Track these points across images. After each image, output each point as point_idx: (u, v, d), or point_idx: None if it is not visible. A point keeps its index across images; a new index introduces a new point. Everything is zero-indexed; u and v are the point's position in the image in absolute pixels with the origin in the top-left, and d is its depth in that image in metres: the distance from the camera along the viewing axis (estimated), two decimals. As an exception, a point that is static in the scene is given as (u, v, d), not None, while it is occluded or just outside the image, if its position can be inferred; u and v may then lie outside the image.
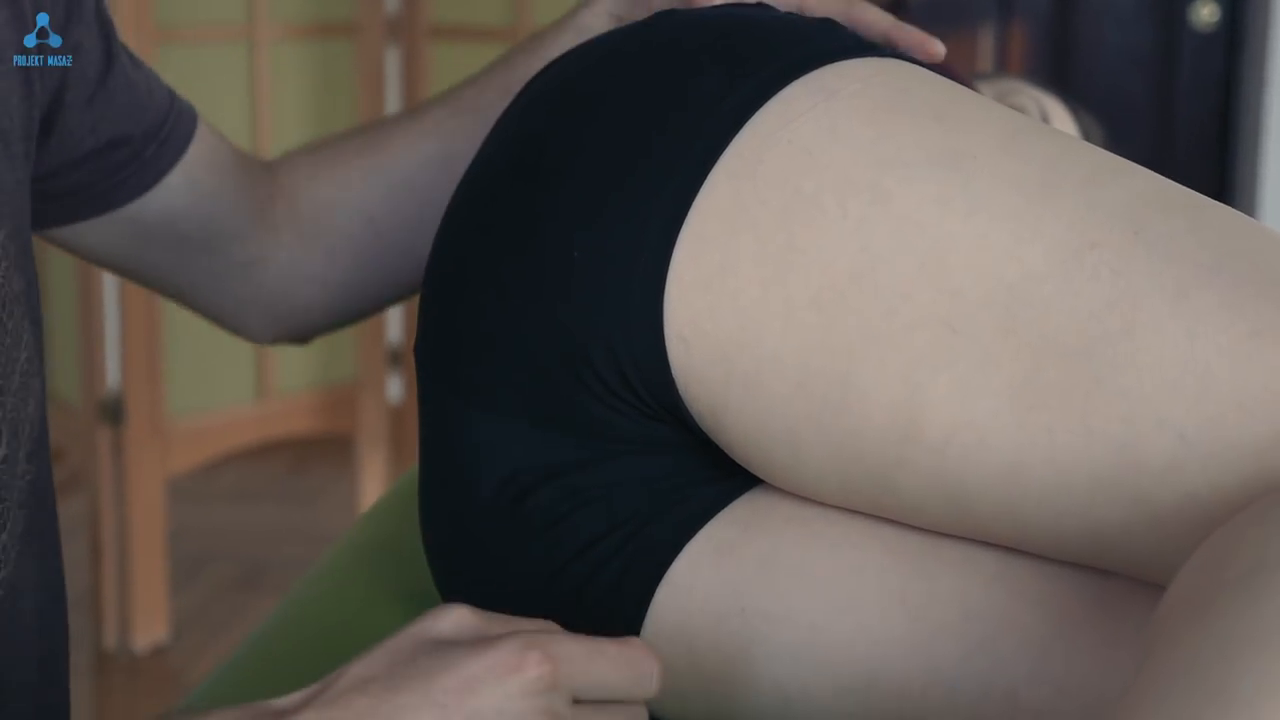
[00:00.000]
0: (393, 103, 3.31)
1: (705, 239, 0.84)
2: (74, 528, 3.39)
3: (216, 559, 3.28)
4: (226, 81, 3.04)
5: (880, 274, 0.81)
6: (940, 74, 1.18)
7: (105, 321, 2.89)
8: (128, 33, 2.74)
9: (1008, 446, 0.79)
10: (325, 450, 3.69)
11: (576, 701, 0.70)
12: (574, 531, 0.90)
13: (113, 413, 2.89)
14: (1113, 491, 0.77)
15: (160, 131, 1.09)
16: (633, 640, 0.73)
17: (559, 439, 0.89)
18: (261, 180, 1.18)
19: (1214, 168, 3.60)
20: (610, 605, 0.90)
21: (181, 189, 1.12)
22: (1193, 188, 0.84)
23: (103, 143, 1.05)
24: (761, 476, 0.88)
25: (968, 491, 0.81)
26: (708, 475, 0.91)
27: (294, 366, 3.14)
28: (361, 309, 1.23)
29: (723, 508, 0.90)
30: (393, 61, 3.33)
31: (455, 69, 3.26)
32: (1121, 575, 0.83)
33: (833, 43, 0.89)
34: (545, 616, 0.90)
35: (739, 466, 0.90)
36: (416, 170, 1.16)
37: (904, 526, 0.87)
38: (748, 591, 0.88)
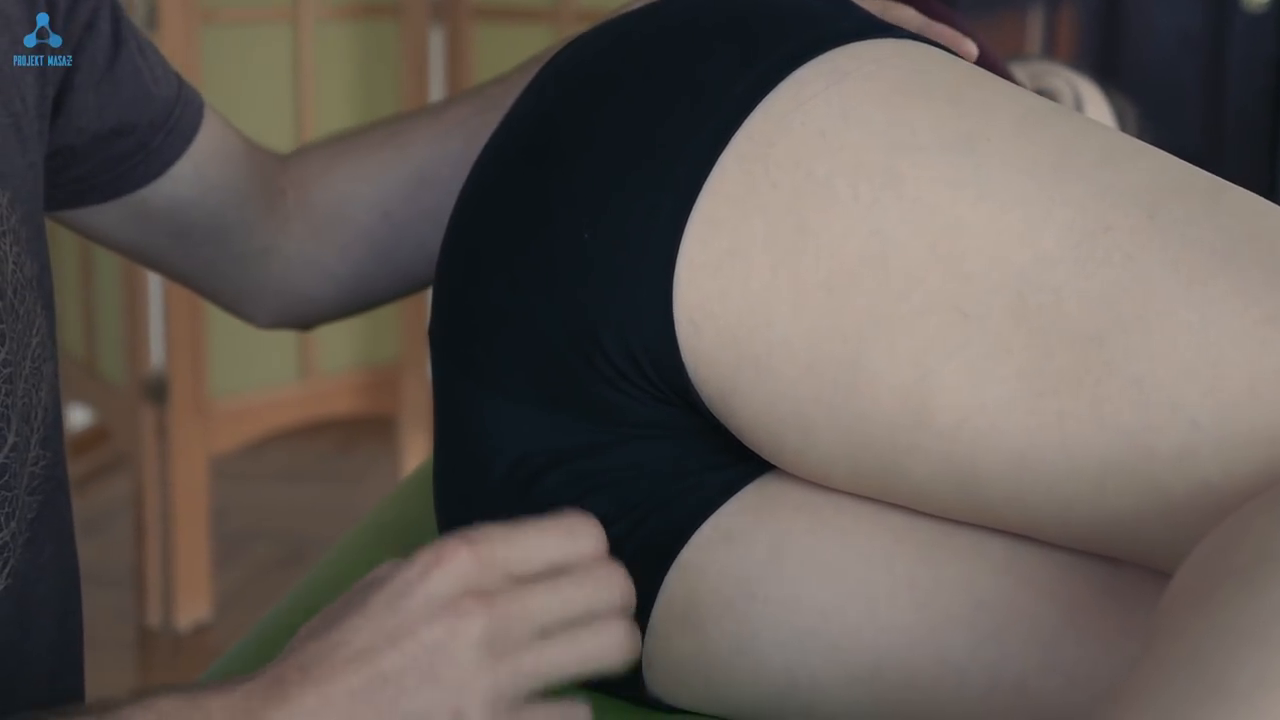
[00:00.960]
0: (436, 84, 3.31)
1: (716, 222, 0.83)
2: (119, 507, 3.42)
3: (260, 538, 3.29)
4: (271, 62, 3.04)
5: (891, 258, 0.80)
6: (981, 56, 1.18)
7: (149, 302, 2.90)
8: (174, 13, 2.75)
9: (1018, 432, 0.78)
10: (369, 430, 3.69)
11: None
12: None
13: (156, 392, 2.90)
14: (1124, 479, 0.76)
15: (168, 120, 1.09)
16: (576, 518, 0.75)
17: (570, 423, 0.89)
18: (272, 172, 1.18)
19: (1265, 150, 3.57)
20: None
21: (189, 178, 1.11)
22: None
23: (108, 128, 1.05)
24: (771, 461, 0.88)
25: (977, 477, 0.80)
26: (718, 461, 0.91)
27: (337, 347, 3.15)
28: (369, 301, 1.22)
29: (733, 494, 0.90)
30: (437, 42, 3.33)
31: (499, 50, 3.26)
32: (1132, 564, 0.82)
33: (846, 23, 0.88)
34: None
35: (749, 452, 0.89)
36: (437, 166, 1.16)
37: (914, 514, 0.86)
38: (757, 578, 0.87)
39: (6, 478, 0.89)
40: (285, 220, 1.18)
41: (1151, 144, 1.52)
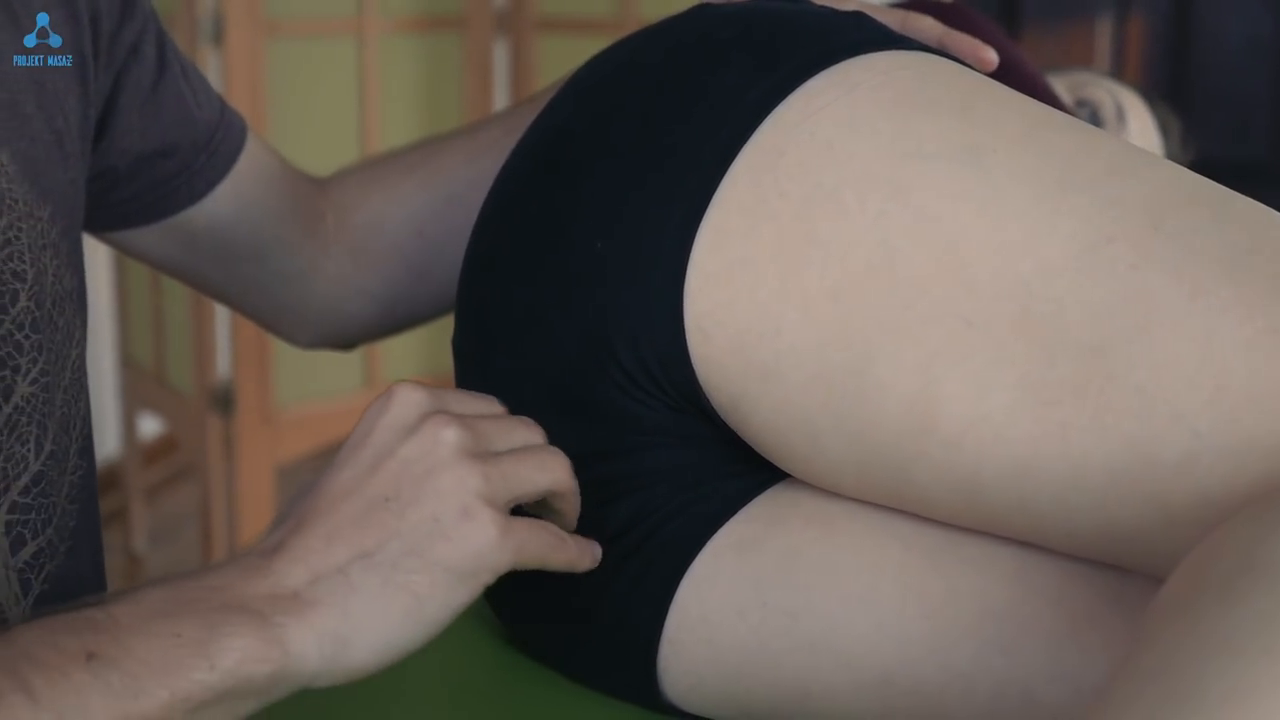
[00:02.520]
0: (500, 95, 3.33)
1: (725, 231, 0.84)
2: (188, 515, 3.45)
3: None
4: (335, 75, 3.07)
5: (897, 268, 0.81)
6: (1010, 66, 1.18)
7: (216, 313, 2.93)
8: (239, 26, 2.78)
9: (1021, 441, 0.78)
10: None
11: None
12: (600, 523, 0.90)
13: (223, 402, 2.93)
14: (1126, 488, 0.76)
15: (210, 143, 1.11)
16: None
17: (586, 430, 0.90)
18: (311, 193, 1.20)
19: (1335, 160, 3.54)
20: (635, 597, 0.90)
21: (229, 200, 1.13)
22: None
23: (151, 149, 1.07)
24: (781, 467, 0.88)
25: (982, 486, 0.80)
26: (732, 469, 0.91)
27: (401, 356, 3.17)
28: (407, 320, 1.24)
29: (746, 503, 0.90)
30: (501, 54, 3.35)
31: (563, 61, 3.28)
32: (1140, 573, 0.82)
33: (859, 35, 0.89)
34: (574, 607, 0.92)
35: (763, 460, 0.90)
36: (469, 186, 1.17)
37: (924, 523, 0.86)
38: (769, 587, 0.88)
39: (43, 485, 0.90)
40: (324, 242, 1.19)
41: (1208, 156, 1.51)
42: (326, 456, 3.50)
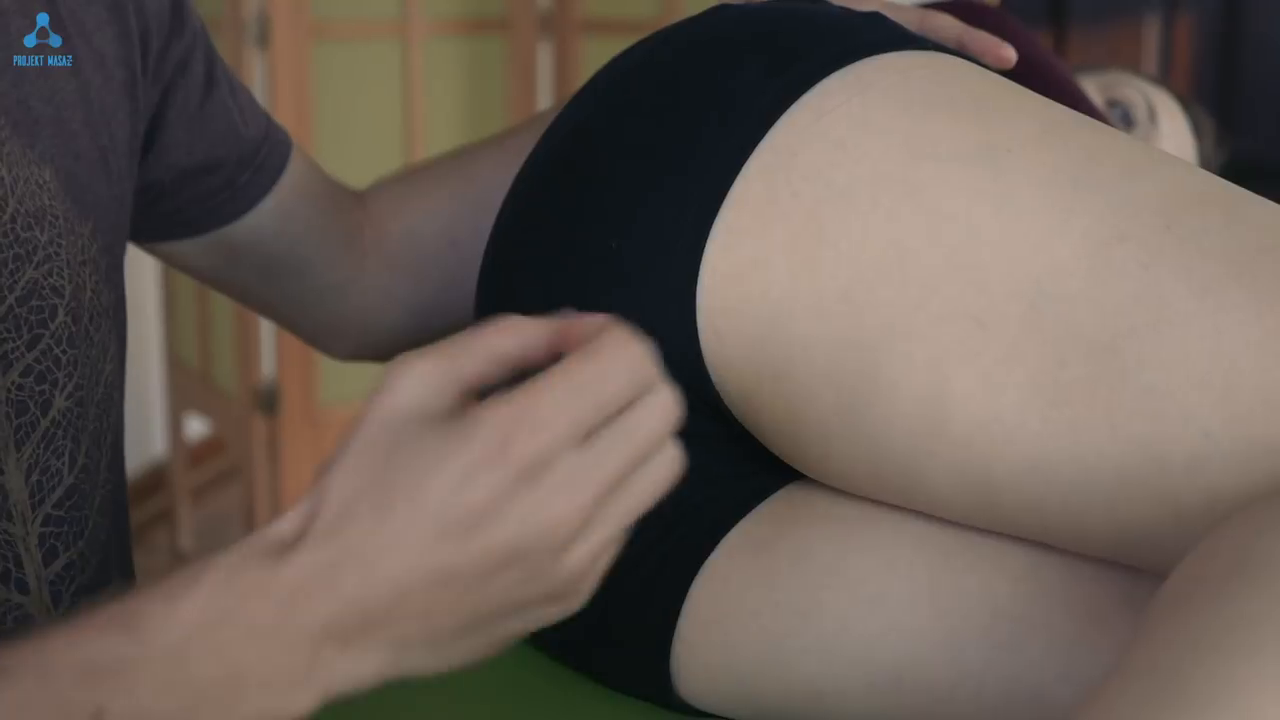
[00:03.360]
0: (544, 98, 3.33)
1: (739, 231, 0.84)
2: (233, 514, 3.47)
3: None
4: (380, 77, 3.09)
5: (909, 267, 0.81)
6: (1038, 66, 1.18)
7: (261, 313, 2.95)
8: (285, 29, 2.80)
9: (1032, 440, 0.78)
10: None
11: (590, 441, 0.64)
12: None
13: (268, 403, 2.95)
14: (1137, 488, 0.76)
15: (255, 159, 1.12)
16: (602, 336, 0.66)
17: None
18: (350, 208, 1.21)
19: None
20: (649, 597, 0.91)
21: (273, 215, 1.14)
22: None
23: (197, 164, 1.08)
24: (794, 466, 0.89)
25: (993, 485, 0.80)
26: (746, 469, 0.91)
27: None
28: (444, 329, 1.24)
29: (759, 503, 0.91)
30: (545, 56, 3.36)
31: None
32: (1150, 573, 0.81)
33: (874, 36, 0.89)
34: (587, 607, 0.92)
35: (777, 459, 0.90)
36: (500, 192, 1.17)
37: (935, 523, 0.86)
38: (781, 586, 0.88)
39: (76, 498, 0.91)
40: (363, 254, 1.20)
41: (1259, 156, 1.50)
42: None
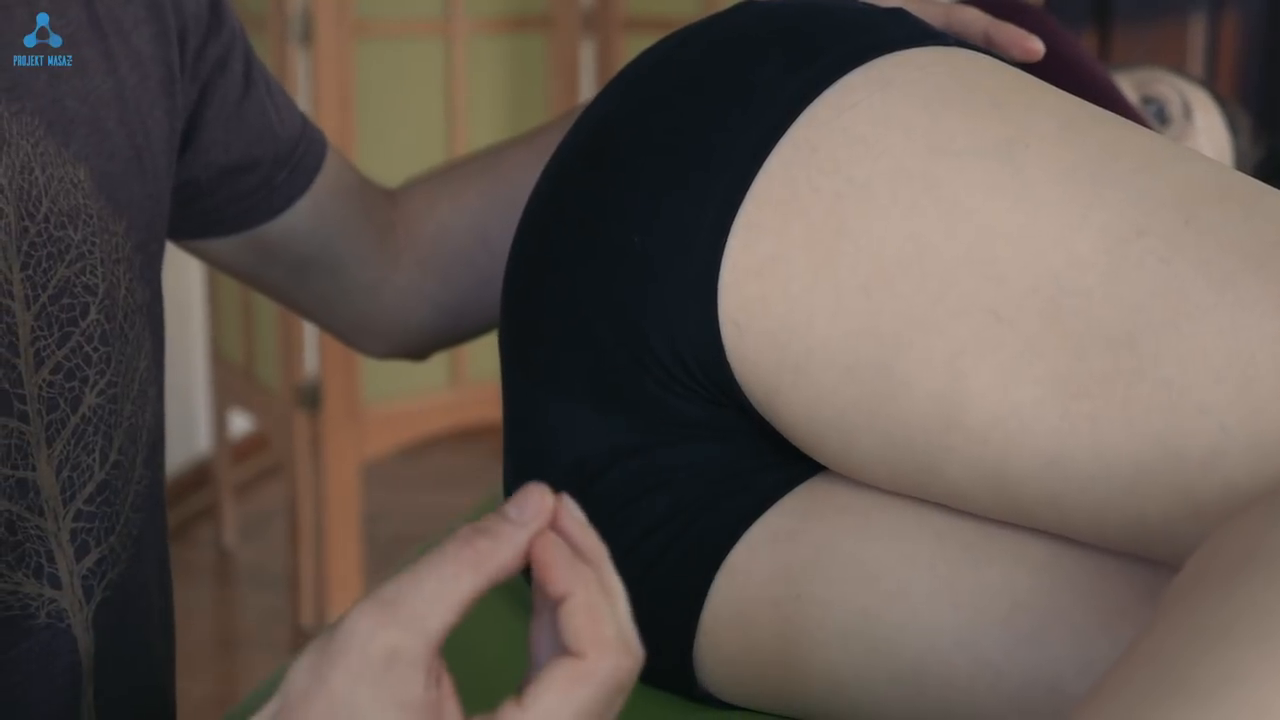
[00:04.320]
0: (587, 95, 3.34)
1: (759, 226, 0.85)
2: (276, 511, 3.49)
3: (412, 543, 3.35)
4: (423, 75, 3.10)
5: (928, 261, 0.81)
6: (1071, 63, 1.18)
7: (304, 310, 2.96)
8: (328, 27, 2.81)
9: (1050, 434, 0.78)
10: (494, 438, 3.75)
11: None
12: (638, 515, 0.91)
13: (311, 399, 2.96)
14: (1154, 481, 0.76)
15: (291, 158, 1.13)
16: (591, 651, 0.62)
17: (626, 423, 0.91)
18: (383, 207, 1.22)
19: None
20: (671, 589, 0.91)
21: (308, 214, 1.15)
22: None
23: (233, 163, 1.09)
24: (816, 459, 0.89)
25: (1011, 479, 0.80)
26: (768, 462, 0.92)
27: (487, 354, 3.19)
28: (476, 328, 1.25)
29: (781, 496, 0.91)
30: (587, 54, 3.36)
31: (650, 62, 3.28)
32: (1168, 566, 0.82)
33: (896, 31, 0.89)
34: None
35: (799, 453, 0.90)
36: (531, 189, 1.18)
37: (957, 516, 0.87)
38: (802, 578, 0.88)
39: (107, 493, 0.92)
40: (395, 253, 1.21)
41: (1274, 153, 1.49)
42: (412, 453, 3.52)
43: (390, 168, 2.50)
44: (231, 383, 3.33)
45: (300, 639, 2.98)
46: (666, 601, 0.91)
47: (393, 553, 3.30)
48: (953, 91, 0.85)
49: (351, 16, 2.91)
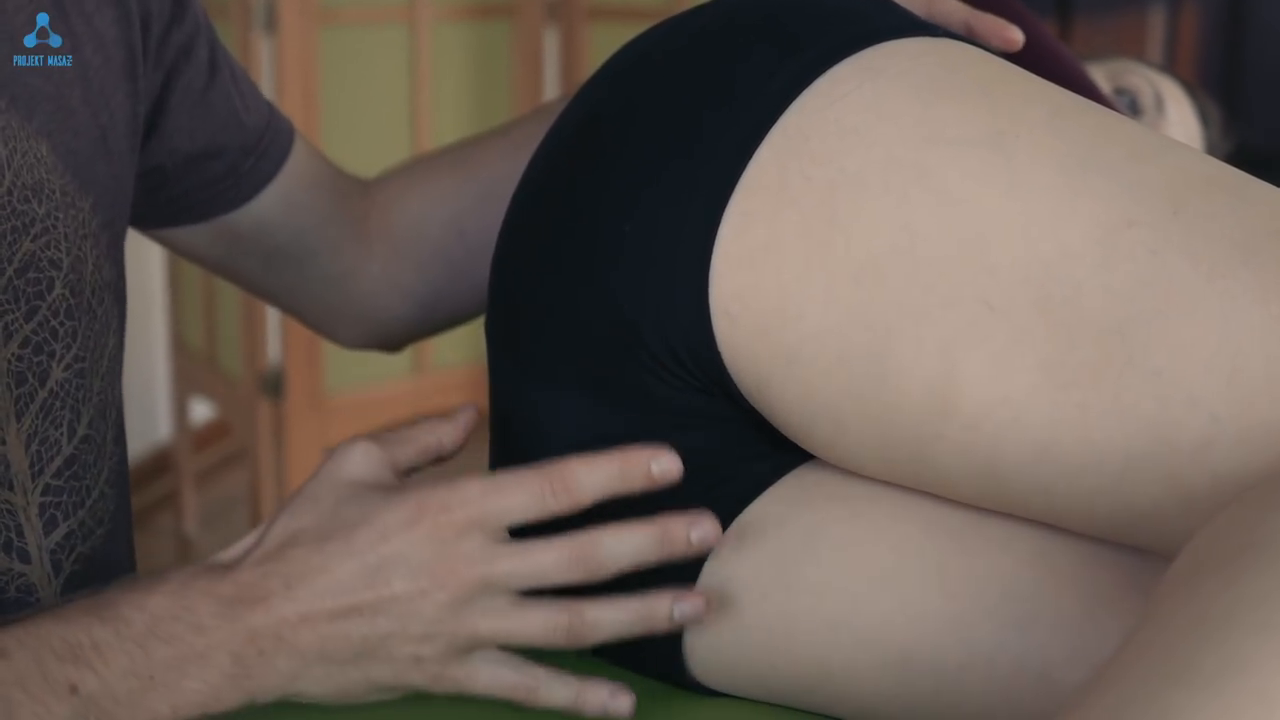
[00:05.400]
0: (551, 84, 3.34)
1: (750, 215, 0.85)
2: (238, 499, 3.48)
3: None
4: (387, 63, 3.09)
5: (919, 251, 0.82)
6: (1045, 53, 1.18)
7: (267, 298, 2.95)
8: (292, 15, 2.80)
9: (1041, 423, 0.79)
10: (482, 424, 3.74)
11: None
12: (629, 503, 0.91)
13: (274, 387, 2.96)
14: (1144, 471, 0.77)
15: (258, 146, 1.13)
16: (560, 465, 0.83)
17: (613, 412, 0.91)
18: (356, 196, 1.22)
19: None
20: (663, 577, 0.91)
21: (276, 202, 1.15)
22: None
23: (199, 150, 1.09)
24: (806, 448, 0.89)
25: (1002, 467, 0.81)
26: (759, 450, 0.92)
27: (450, 344, 3.18)
28: (451, 318, 1.25)
29: (771, 483, 0.91)
30: (551, 42, 3.36)
31: (613, 50, 3.28)
32: (1158, 555, 0.82)
33: (883, 22, 0.90)
34: (600, 587, 0.93)
35: (790, 441, 0.91)
36: (507, 182, 1.18)
37: (946, 504, 0.87)
38: (792, 566, 0.89)
39: (76, 468, 0.92)
40: (368, 243, 1.21)
41: (1264, 146, 1.50)
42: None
43: (355, 155, 2.50)
44: (192, 370, 3.32)
45: (262, 627, 2.97)
46: (656, 588, 0.91)
47: (355, 541, 3.29)
48: (943, 81, 0.86)
49: (315, 4, 2.90)
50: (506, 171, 1.18)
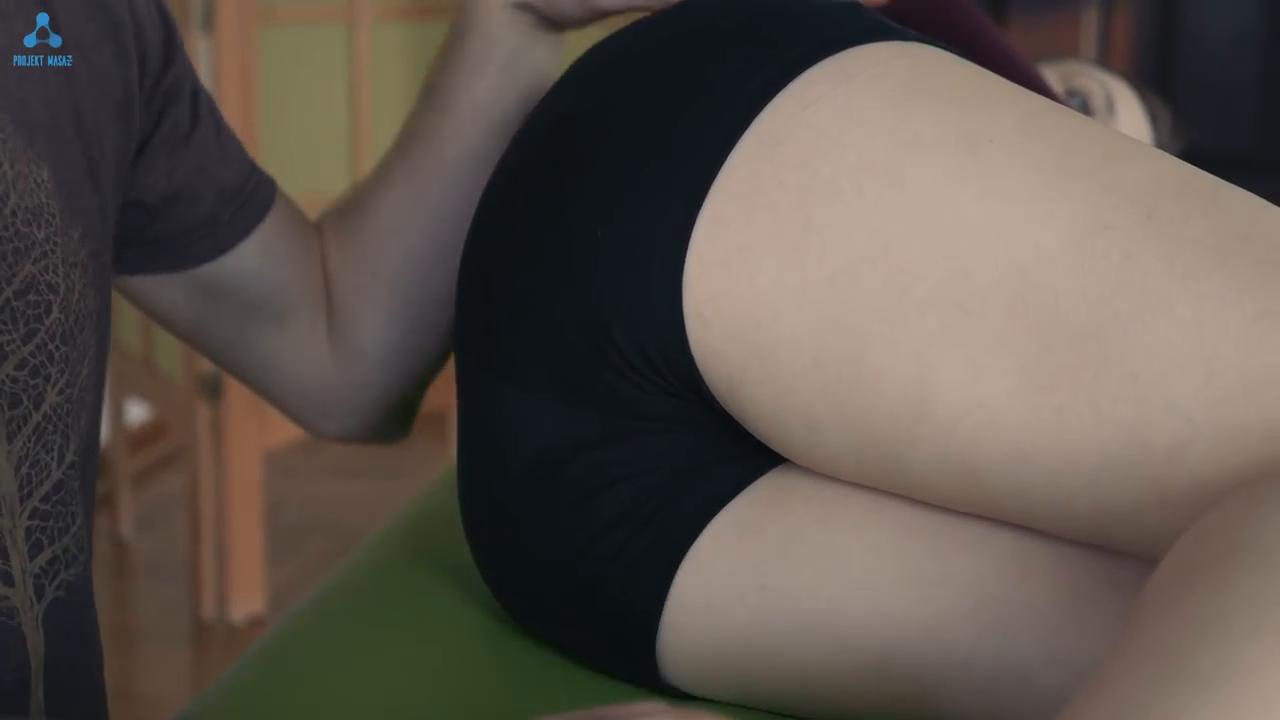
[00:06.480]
0: (490, 83, 3.33)
1: (724, 219, 0.85)
2: (175, 501, 3.46)
3: (314, 532, 3.32)
4: (326, 62, 3.07)
5: (894, 254, 0.82)
6: (1001, 56, 1.19)
7: (205, 298, 2.93)
8: (230, 13, 2.78)
9: (1017, 426, 0.79)
10: (422, 426, 3.71)
11: None
12: (601, 508, 0.91)
13: (212, 388, 2.93)
14: (1120, 473, 0.77)
15: (239, 196, 1.11)
16: None
17: (585, 415, 0.91)
18: (317, 244, 1.19)
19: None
20: (635, 582, 0.91)
21: (256, 255, 1.13)
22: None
23: (175, 190, 1.07)
24: (780, 453, 0.90)
25: (978, 470, 0.81)
26: (732, 454, 0.92)
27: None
28: (429, 368, 1.22)
29: (745, 487, 0.91)
30: (490, 42, 3.35)
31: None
32: (1134, 557, 0.83)
33: (855, 26, 0.90)
34: (572, 591, 0.92)
35: (763, 445, 0.91)
36: (463, 224, 1.12)
37: (922, 507, 0.88)
38: (768, 569, 0.89)
39: (63, 493, 0.92)
40: (334, 292, 1.18)
41: (1197, 146, 1.52)
42: (313, 442, 3.49)
43: (293, 155, 2.48)
44: (128, 371, 3.29)
45: (201, 631, 2.95)
46: (630, 594, 0.92)
47: (294, 542, 3.27)
48: (916, 85, 0.86)
49: (253, 3, 2.88)
50: (463, 213, 1.14)
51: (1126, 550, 0.81)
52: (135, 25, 1.01)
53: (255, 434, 2.95)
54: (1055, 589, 0.84)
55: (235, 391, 2.90)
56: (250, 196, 1.13)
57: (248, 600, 2.96)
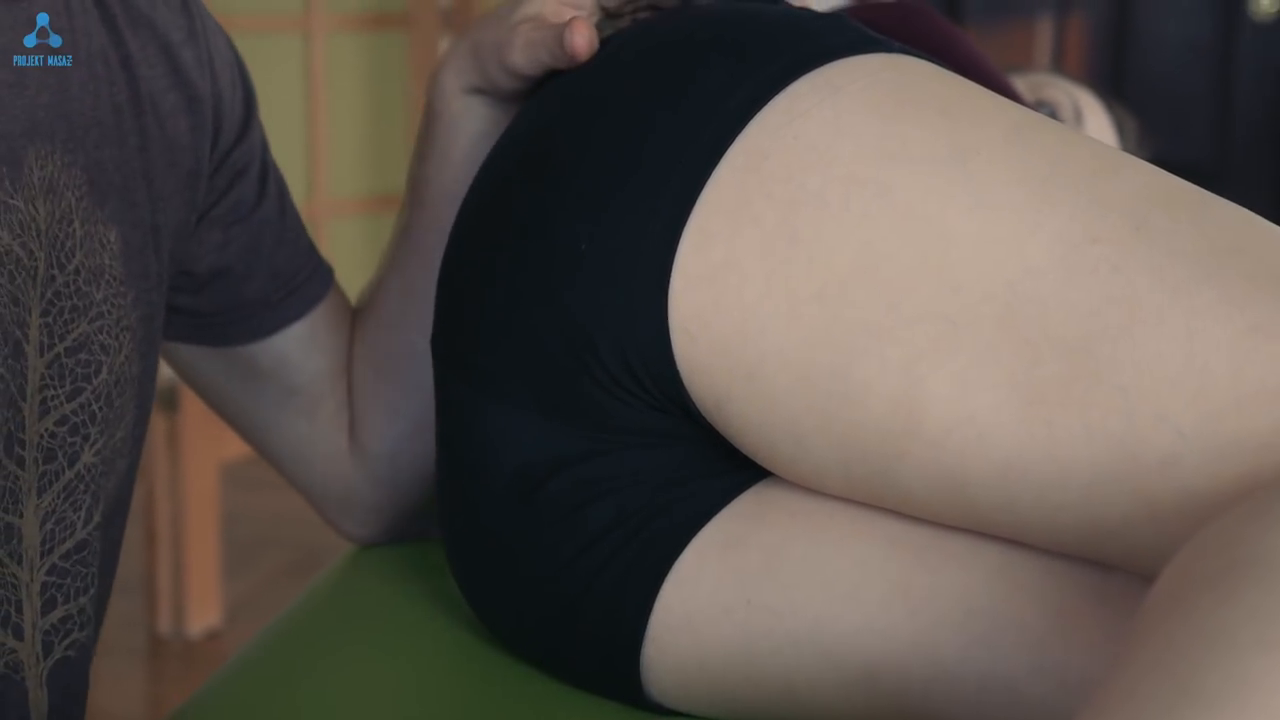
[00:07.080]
0: (447, 93, 3.32)
1: (710, 233, 0.85)
2: (131, 514, 3.43)
3: (271, 546, 3.30)
4: (282, 71, 3.07)
5: (882, 268, 0.81)
6: (973, 67, 1.19)
7: (160, 310, 2.91)
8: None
9: (1007, 440, 0.79)
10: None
11: None
12: (583, 524, 0.91)
13: (167, 400, 2.92)
14: (1111, 487, 0.77)
15: (294, 279, 1.11)
16: None
17: (568, 430, 0.90)
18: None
19: (1272, 159, 3.57)
20: (619, 598, 0.91)
21: (301, 342, 1.13)
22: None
23: (227, 265, 1.07)
24: (767, 468, 0.89)
25: (967, 485, 0.81)
26: (716, 469, 0.92)
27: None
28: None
29: (730, 501, 0.91)
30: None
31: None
32: (1122, 570, 0.83)
33: (840, 38, 0.90)
34: (555, 607, 0.92)
35: (747, 459, 0.90)
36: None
37: (909, 521, 0.87)
38: (753, 584, 0.88)
39: (85, 553, 0.91)
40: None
41: (1156, 156, 1.53)
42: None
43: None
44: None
45: (158, 646, 2.93)
46: (613, 610, 0.91)
47: (252, 555, 3.26)
48: (902, 98, 0.86)
49: (210, 9, 2.87)
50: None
51: (1116, 563, 0.81)
52: (215, 99, 1.01)
53: (211, 446, 2.93)
54: (1043, 602, 0.84)
55: (191, 403, 2.88)
56: (304, 284, 1.12)
57: (205, 614, 2.94)
